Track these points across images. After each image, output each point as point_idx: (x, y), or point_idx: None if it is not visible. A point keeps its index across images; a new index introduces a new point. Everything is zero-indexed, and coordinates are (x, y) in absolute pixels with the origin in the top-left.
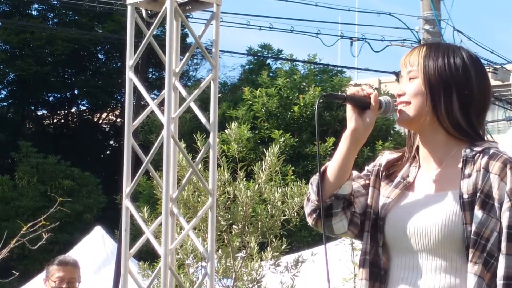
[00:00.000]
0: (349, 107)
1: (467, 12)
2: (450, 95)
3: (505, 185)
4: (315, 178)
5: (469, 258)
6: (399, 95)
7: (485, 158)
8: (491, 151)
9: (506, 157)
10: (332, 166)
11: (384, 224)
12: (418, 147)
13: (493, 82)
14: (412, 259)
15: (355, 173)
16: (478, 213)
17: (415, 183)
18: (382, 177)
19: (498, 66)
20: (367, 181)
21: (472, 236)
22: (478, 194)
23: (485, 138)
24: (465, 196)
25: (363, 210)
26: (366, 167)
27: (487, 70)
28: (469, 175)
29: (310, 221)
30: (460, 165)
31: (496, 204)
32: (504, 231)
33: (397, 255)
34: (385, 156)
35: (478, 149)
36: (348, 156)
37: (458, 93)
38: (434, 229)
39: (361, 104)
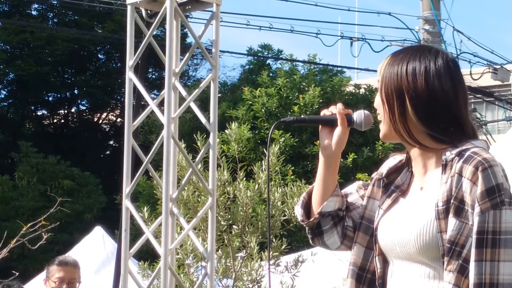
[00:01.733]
0: (320, 127)
1: (467, 12)
2: (403, 103)
3: (477, 188)
4: (299, 199)
5: (444, 267)
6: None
7: (460, 162)
8: (466, 153)
9: (479, 160)
10: (314, 185)
11: (377, 234)
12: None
13: (493, 82)
14: (402, 266)
15: (358, 183)
16: (452, 220)
17: (409, 190)
18: (382, 186)
19: (498, 66)
20: (365, 192)
21: (446, 244)
22: (452, 200)
23: (472, 135)
24: (440, 204)
25: (357, 222)
26: (372, 175)
27: (487, 70)
28: (446, 182)
29: (310, 240)
30: (440, 171)
31: (469, 210)
32: (474, 237)
33: (391, 263)
34: (387, 163)
35: (456, 151)
36: (324, 173)
37: (412, 99)
38: (412, 239)
39: (327, 123)
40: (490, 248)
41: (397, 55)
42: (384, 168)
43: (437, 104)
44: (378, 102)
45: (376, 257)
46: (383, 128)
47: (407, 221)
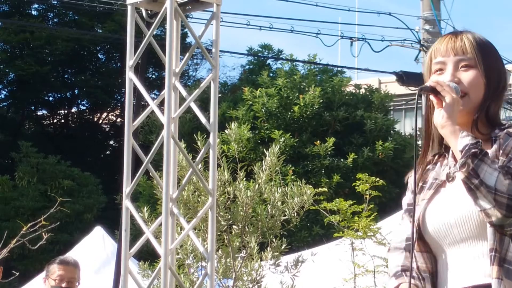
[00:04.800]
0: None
1: (467, 12)
2: (498, 88)
3: None
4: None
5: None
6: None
7: (507, 129)
8: None
9: None
10: None
11: (424, 225)
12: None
13: None
14: (459, 249)
15: (402, 215)
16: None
17: (451, 180)
18: (418, 192)
19: None
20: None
21: None
22: (500, 156)
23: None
24: None
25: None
26: (404, 201)
27: None
28: (494, 148)
29: None
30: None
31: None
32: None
33: (444, 253)
34: (412, 176)
35: (504, 127)
36: None
37: (499, 85)
38: (473, 214)
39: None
40: None
41: (478, 38)
42: (411, 179)
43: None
44: (475, 82)
45: (425, 254)
46: (468, 104)
47: (463, 200)
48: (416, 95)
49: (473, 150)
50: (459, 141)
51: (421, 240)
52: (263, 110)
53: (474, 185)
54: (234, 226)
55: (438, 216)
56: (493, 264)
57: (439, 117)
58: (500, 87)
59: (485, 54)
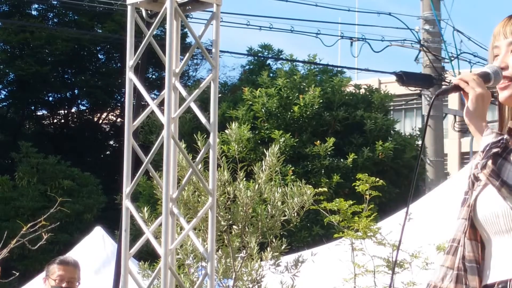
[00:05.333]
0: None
1: (467, 12)
2: None
3: None
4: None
5: None
6: (502, 68)
7: None
8: None
9: None
10: None
11: (475, 213)
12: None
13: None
14: (505, 239)
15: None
16: None
17: None
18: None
19: None
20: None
21: None
22: None
23: None
24: None
25: None
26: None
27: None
28: None
29: None
30: None
31: None
32: None
33: (490, 242)
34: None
35: None
36: None
37: None
38: None
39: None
40: None
41: None
42: (474, 162)
43: None
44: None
45: (473, 242)
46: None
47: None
48: (432, 99)
49: (493, 150)
50: (482, 140)
51: (472, 228)
52: (263, 110)
53: (496, 186)
54: (234, 226)
55: (487, 204)
56: None
57: (464, 114)
58: None
59: None
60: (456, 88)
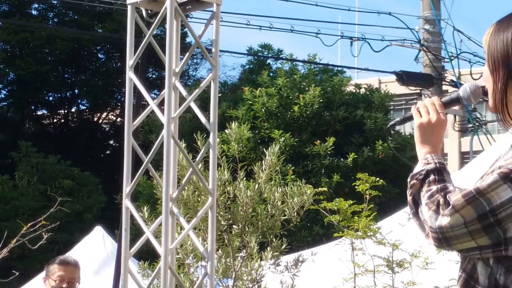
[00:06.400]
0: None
1: (467, 12)
2: (510, 72)
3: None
4: None
5: None
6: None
7: None
8: None
9: None
10: None
11: None
12: None
13: None
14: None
15: None
16: None
17: None
18: None
19: None
20: None
21: None
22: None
23: None
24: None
25: None
26: None
27: None
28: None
29: None
30: None
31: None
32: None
33: None
34: None
35: None
36: None
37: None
38: None
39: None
40: (463, 196)
41: (502, 22)
42: None
43: None
44: (486, 74)
45: None
46: (490, 102)
47: None
48: (386, 131)
49: (411, 182)
50: (415, 168)
51: None
52: (263, 110)
53: (410, 214)
54: (234, 226)
55: None
56: (458, 284)
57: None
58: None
59: (492, 44)
60: (409, 118)
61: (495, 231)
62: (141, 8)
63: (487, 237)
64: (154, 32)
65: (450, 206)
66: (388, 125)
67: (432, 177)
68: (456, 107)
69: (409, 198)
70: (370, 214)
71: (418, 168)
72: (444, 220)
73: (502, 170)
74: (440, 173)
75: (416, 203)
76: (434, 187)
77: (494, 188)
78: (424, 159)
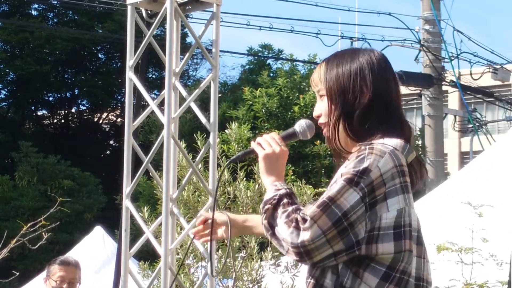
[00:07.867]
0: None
1: (467, 12)
2: (344, 104)
3: (348, 163)
4: None
5: None
6: (317, 117)
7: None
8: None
9: (366, 147)
10: None
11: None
12: None
13: (493, 82)
14: None
15: None
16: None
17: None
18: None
19: (498, 66)
20: None
21: None
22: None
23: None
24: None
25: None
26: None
27: (487, 70)
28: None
29: None
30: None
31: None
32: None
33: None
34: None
35: (365, 144)
36: None
37: (343, 101)
38: None
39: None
40: (317, 207)
41: (331, 59)
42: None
43: (377, 104)
44: (320, 108)
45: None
46: (324, 131)
47: None
48: (226, 164)
49: (265, 207)
50: (264, 197)
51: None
52: (263, 110)
53: (268, 236)
54: None
55: None
56: None
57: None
58: (349, 99)
59: (329, 78)
60: (251, 151)
61: (348, 235)
62: (141, 8)
63: (342, 242)
64: (154, 32)
65: (309, 219)
66: (228, 162)
67: (285, 200)
68: (456, 107)
69: (264, 222)
70: None
71: (270, 194)
72: (305, 234)
73: (346, 176)
74: (291, 197)
75: (272, 226)
76: (289, 208)
77: (343, 193)
78: (273, 185)
